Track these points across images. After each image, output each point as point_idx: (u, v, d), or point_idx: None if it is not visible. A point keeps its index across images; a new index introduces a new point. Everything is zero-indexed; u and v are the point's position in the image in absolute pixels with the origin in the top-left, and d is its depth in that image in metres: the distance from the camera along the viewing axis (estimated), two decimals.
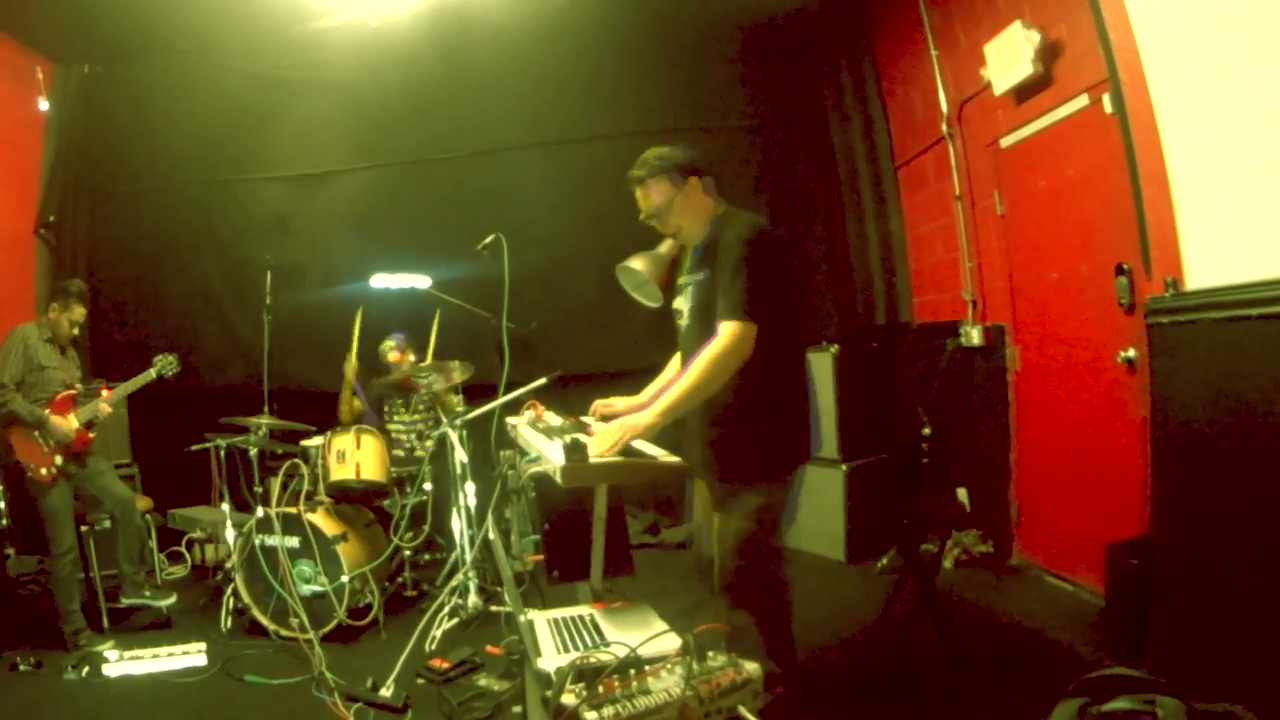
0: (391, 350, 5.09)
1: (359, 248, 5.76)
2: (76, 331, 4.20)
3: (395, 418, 5.05)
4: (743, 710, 1.71)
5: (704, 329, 2.46)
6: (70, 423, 3.94)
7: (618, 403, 2.83)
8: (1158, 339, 2.81)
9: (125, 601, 4.13)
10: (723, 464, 2.53)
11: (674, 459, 2.32)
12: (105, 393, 4.17)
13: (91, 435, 4.07)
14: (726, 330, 2.35)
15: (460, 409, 4.52)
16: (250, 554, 3.94)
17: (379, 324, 5.41)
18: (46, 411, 3.89)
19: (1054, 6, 3.66)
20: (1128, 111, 3.10)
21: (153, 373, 4.25)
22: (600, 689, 1.65)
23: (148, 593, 4.15)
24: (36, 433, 3.89)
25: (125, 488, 4.31)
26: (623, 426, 2.29)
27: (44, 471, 3.89)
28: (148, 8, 5.12)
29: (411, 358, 5.06)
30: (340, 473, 4.16)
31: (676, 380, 2.42)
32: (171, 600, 4.19)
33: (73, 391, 4.08)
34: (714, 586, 2.57)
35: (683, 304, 2.66)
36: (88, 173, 5.99)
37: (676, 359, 2.84)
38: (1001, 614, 3.75)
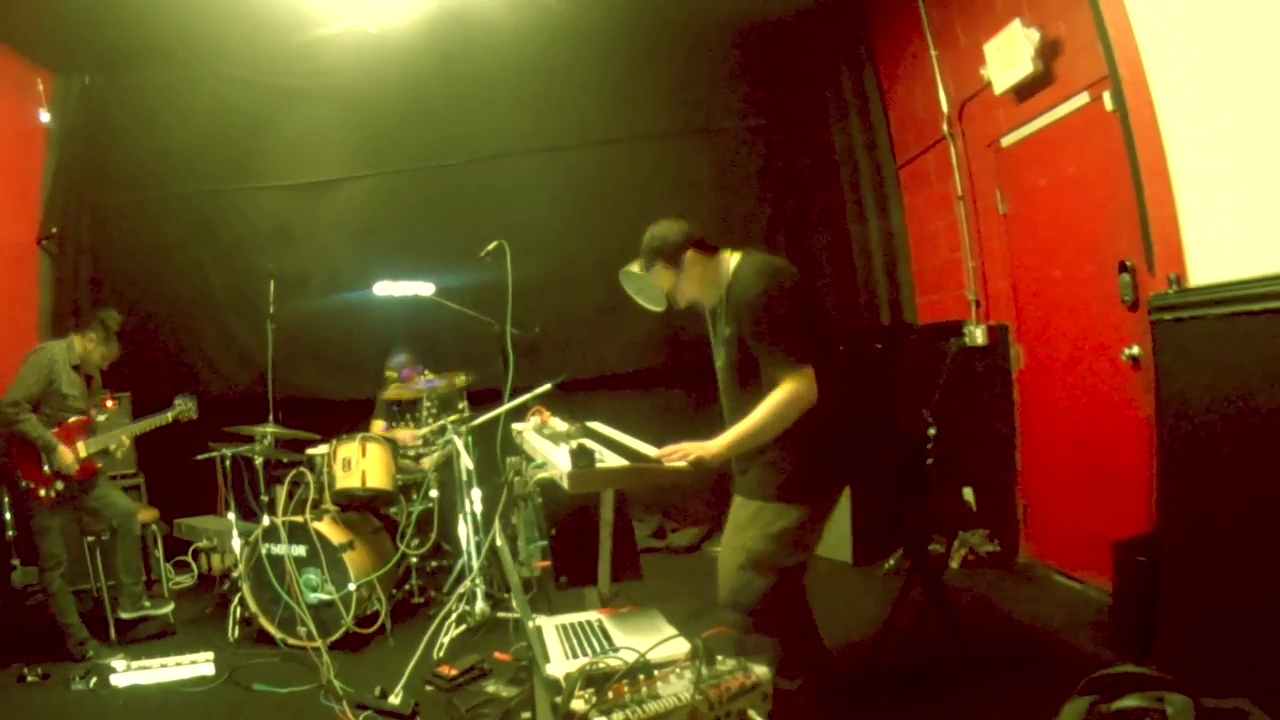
0: (396, 375, 5.00)
1: (362, 255, 5.76)
2: (106, 366, 4.21)
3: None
4: (752, 713, 1.71)
5: (737, 384, 2.55)
6: (77, 453, 3.93)
7: None
8: (1162, 336, 2.81)
9: (124, 616, 4.13)
10: (747, 483, 2.53)
11: (679, 464, 2.31)
12: (109, 404, 4.16)
13: (98, 466, 4.06)
14: (790, 383, 2.35)
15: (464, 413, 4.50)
16: (257, 563, 3.94)
17: (383, 333, 5.42)
18: (54, 436, 3.89)
19: (1053, 4, 3.66)
20: (1128, 108, 3.10)
21: (169, 416, 4.25)
22: (609, 694, 1.65)
23: (146, 603, 4.15)
24: (42, 454, 3.88)
25: (126, 498, 4.31)
26: (697, 446, 2.37)
27: (43, 493, 3.88)
28: (147, 17, 5.11)
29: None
30: (346, 481, 4.16)
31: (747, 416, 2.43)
32: (170, 608, 4.20)
33: (85, 419, 4.06)
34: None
35: (718, 361, 2.67)
36: (89, 183, 5.98)
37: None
38: (1009, 613, 3.74)
